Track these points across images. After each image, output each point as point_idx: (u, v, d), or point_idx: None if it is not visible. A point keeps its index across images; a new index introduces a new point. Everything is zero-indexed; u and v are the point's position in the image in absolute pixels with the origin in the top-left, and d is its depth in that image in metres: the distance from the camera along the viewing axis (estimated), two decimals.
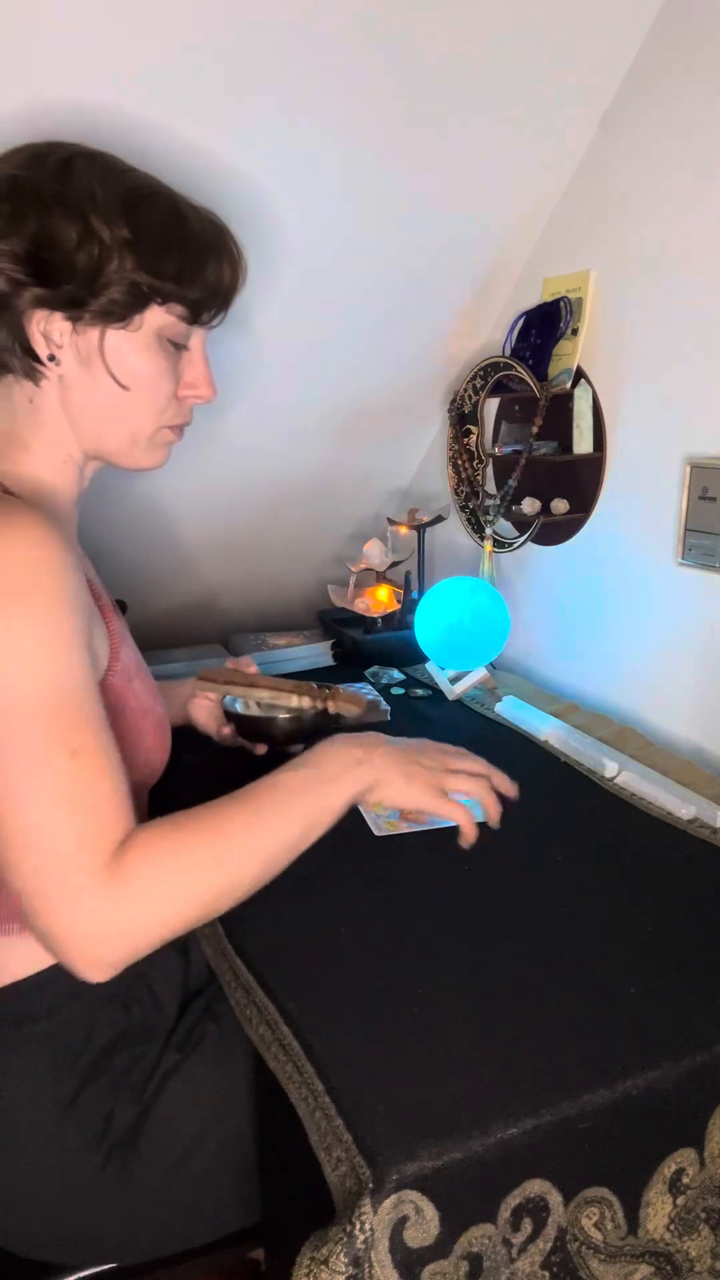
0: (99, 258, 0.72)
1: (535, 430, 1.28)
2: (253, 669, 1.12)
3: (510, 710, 1.27)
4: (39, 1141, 0.74)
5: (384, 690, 1.39)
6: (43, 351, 0.74)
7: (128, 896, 0.63)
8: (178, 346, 0.79)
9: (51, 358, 0.74)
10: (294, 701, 1.06)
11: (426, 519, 1.54)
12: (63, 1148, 0.74)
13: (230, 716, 1.07)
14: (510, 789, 0.82)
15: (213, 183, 1.07)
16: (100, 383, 0.76)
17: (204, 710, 1.10)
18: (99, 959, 0.63)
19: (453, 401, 1.48)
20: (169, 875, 0.64)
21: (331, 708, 1.09)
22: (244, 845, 0.68)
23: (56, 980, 0.76)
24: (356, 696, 1.08)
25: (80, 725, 0.64)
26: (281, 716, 1.06)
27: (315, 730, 1.08)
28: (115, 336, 0.75)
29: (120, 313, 0.74)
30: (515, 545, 1.43)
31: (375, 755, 0.76)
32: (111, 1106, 0.76)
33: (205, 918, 0.67)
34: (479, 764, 0.82)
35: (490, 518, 1.39)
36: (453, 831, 0.96)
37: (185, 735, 1.06)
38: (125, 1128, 0.75)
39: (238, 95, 1.01)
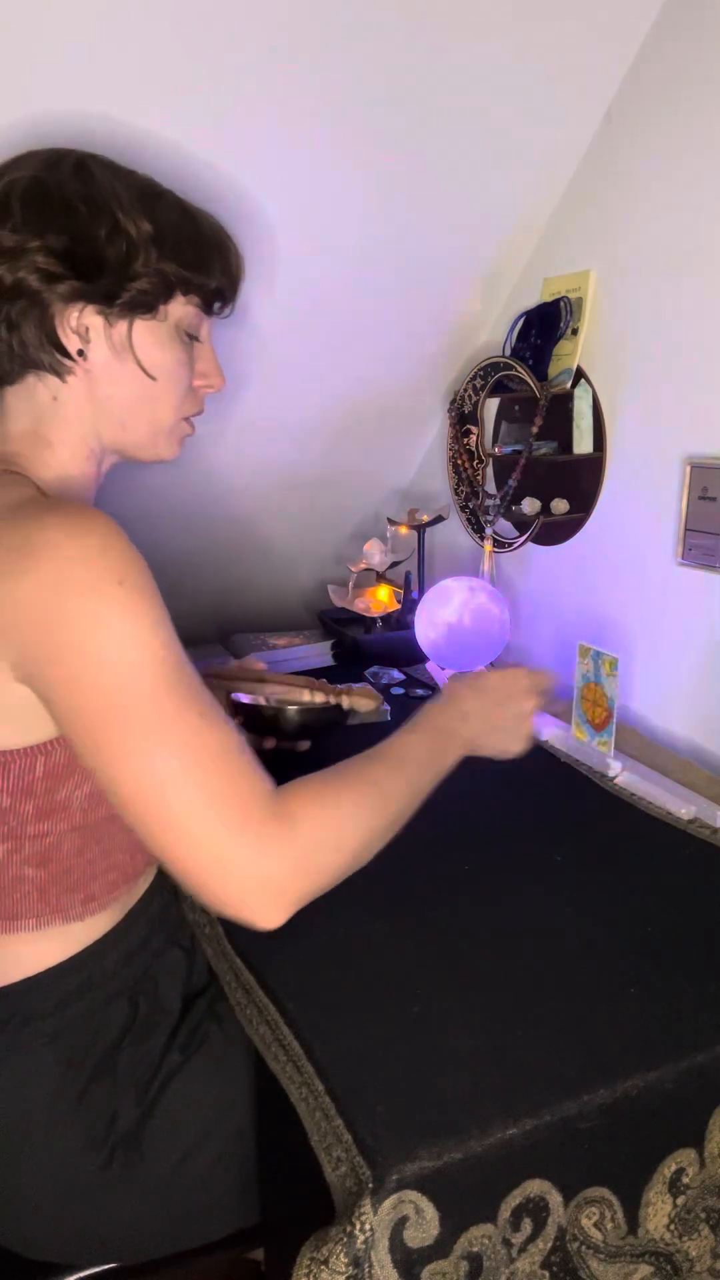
0: (128, 251, 0.75)
1: (535, 430, 1.28)
2: (260, 667, 1.12)
3: None
4: (43, 1141, 0.74)
5: (384, 690, 1.39)
6: (72, 347, 0.76)
7: (299, 834, 0.66)
8: (191, 338, 0.83)
9: (80, 353, 0.76)
10: (305, 696, 1.06)
11: (426, 519, 1.54)
12: (66, 1148, 0.74)
13: (238, 708, 1.06)
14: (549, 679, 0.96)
15: (212, 182, 1.07)
16: (129, 374, 0.78)
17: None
18: (281, 898, 0.66)
19: (453, 401, 1.48)
20: (331, 817, 0.69)
21: (345, 703, 1.09)
22: (388, 793, 0.74)
23: (64, 977, 0.77)
24: (369, 692, 1.07)
25: (197, 688, 0.67)
26: (291, 709, 1.05)
27: (324, 725, 1.07)
28: (142, 328, 0.78)
29: (149, 303, 0.77)
30: (515, 545, 1.43)
31: (472, 719, 0.87)
32: (115, 1107, 0.76)
33: (358, 863, 0.72)
34: (540, 692, 0.93)
35: (490, 518, 1.39)
36: (452, 834, 0.96)
37: None
38: (128, 1128, 0.75)
39: (238, 96, 1.01)
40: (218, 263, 0.82)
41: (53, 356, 0.75)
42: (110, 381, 0.78)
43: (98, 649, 0.63)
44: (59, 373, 0.76)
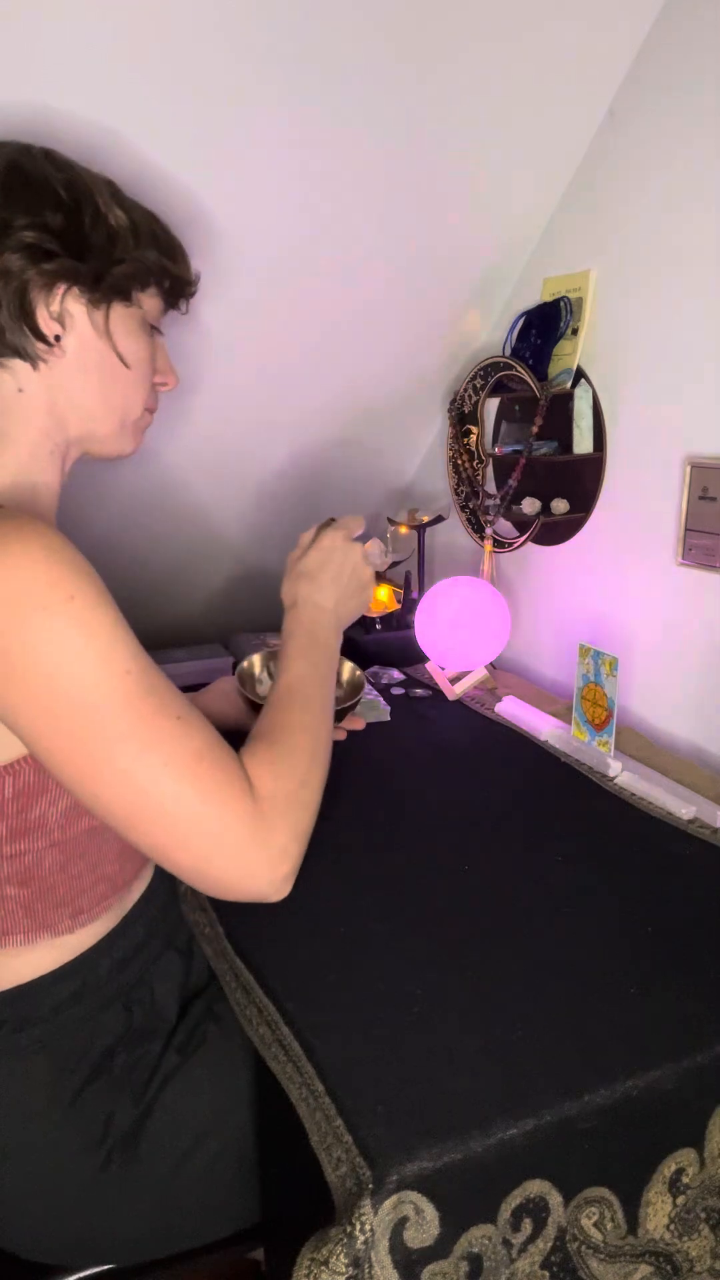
0: (109, 236, 0.75)
1: (535, 430, 1.28)
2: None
3: (510, 710, 1.27)
4: (40, 1143, 0.74)
5: (384, 690, 1.39)
6: (50, 332, 0.74)
7: (278, 814, 0.70)
8: (155, 329, 0.84)
9: (57, 338, 0.74)
10: None
11: (426, 519, 1.54)
12: (63, 1149, 0.74)
13: (255, 706, 1.05)
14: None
15: (210, 180, 1.07)
16: (104, 362, 0.78)
17: (222, 699, 1.10)
18: (284, 877, 0.72)
19: (453, 401, 1.48)
20: (294, 779, 0.73)
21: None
22: (316, 725, 0.79)
23: (60, 982, 0.76)
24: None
25: (169, 692, 0.68)
26: None
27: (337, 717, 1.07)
28: (119, 315, 0.78)
29: (128, 289, 0.77)
30: (515, 545, 1.43)
31: (326, 605, 0.90)
32: (112, 1108, 0.76)
33: (321, 792, 0.78)
34: (354, 536, 0.97)
35: (490, 518, 1.39)
36: (452, 834, 0.96)
37: None
38: (126, 1129, 0.75)
39: (234, 92, 1.01)
40: (183, 258, 0.83)
41: (29, 342, 0.73)
42: (83, 369, 0.77)
43: (57, 668, 0.62)
44: (33, 360, 0.74)
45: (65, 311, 0.75)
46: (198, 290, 0.87)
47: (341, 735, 1.07)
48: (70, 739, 0.63)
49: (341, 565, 0.93)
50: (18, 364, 0.74)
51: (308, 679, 0.83)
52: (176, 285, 0.83)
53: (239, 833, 0.68)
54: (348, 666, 1.12)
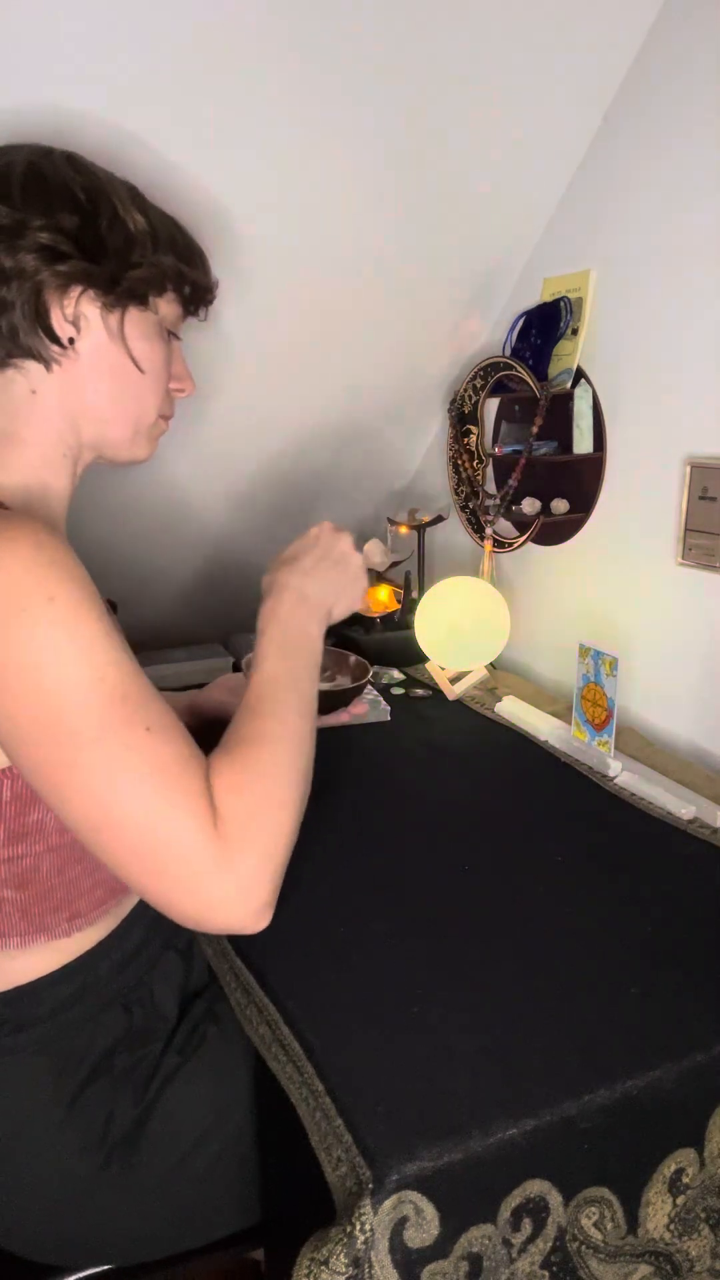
0: (126, 240, 0.75)
1: (535, 430, 1.28)
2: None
3: (510, 710, 1.27)
4: (40, 1143, 0.74)
5: (384, 690, 1.39)
6: (65, 335, 0.74)
7: (244, 840, 0.64)
8: (172, 335, 0.83)
9: (71, 340, 0.74)
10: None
11: (426, 519, 1.54)
12: (63, 1149, 0.74)
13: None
14: None
15: (211, 181, 1.07)
16: (118, 366, 0.77)
17: (229, 693, 1.10)
18: (257, 909, 0.65)
19: (453, 401, 1.48)
20: (261, 799, 0.67)
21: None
22: (291, 734, 0.72)
23: (58, 984, 0.76)
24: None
25: (144, 702, 0.64)
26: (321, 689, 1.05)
27: (338, 703, 1.06)
28: (134, 319, 0.77)
29: (143, 293, 0.77)
30: (515, 545, 1.43)
31: (309, 593, 0.84)
32: (112, 1108, 0.76)
33: (302, 808, 0.70)
34: (340, 531, 0.91)
35: (490, 518, 1.39)
36: (452, 834, 0.96)
37: None
38: (126, 1129, 0.75)
39: (234, 92, 1.01)
40: (202, 262, 0.83)
41: (43, 344, 0.73)
42: (97, 373, 0.76)
43: (32, 671, 0.61)
44: (46, 362, 0.74)
45: (80, 314, 0.74)
46: (216, 297, 0.86)
47: (345, 718, 1.06)
48: (41, 744, 0.62)
49: (327, 550, 0.87)
50: (31, 365, 0.74)
51: (280, 681, 0.76)
52: (195, 291, 0.83)
53: (199, 858, 0.62)
54: (351, 656, 1.11)
